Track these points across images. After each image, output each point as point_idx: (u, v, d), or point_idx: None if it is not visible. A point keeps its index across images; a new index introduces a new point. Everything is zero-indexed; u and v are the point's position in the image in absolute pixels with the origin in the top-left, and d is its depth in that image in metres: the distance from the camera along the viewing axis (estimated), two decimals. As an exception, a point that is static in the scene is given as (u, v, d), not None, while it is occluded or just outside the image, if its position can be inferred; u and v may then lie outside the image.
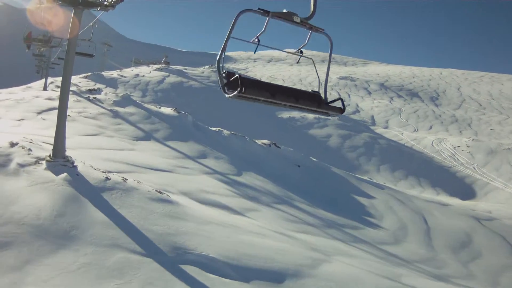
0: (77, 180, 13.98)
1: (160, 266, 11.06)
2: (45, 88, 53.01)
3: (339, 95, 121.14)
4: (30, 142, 17.15)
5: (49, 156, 15.07)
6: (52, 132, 23.96)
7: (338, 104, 8.64)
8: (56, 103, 32.61)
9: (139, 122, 31.57)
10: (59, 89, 40.12)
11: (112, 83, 74.02)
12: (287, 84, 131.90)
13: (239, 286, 11.28)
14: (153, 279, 10.39)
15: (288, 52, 9.75)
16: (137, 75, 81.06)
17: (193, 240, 12.71)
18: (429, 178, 64.74)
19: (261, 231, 16.14)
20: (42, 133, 23.28)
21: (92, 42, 27.32)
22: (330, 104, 8.61)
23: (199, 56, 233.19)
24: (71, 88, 39.78)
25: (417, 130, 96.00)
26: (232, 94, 7.23)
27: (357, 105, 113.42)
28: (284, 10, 7.48)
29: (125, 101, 35.57)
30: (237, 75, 7.44)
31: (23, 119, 27.78)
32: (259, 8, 7.35)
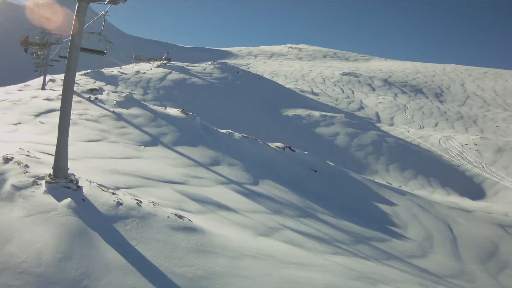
0: (84, 208, 11.68)
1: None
2: (43, 88, 50.61)
3: (343, 91, 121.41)
4: (27, 156, 14.90)
5: (49, 175, 12.79)
6: (51, 138, 22.17)
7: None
8: (55, 104, 30.77)
9: (144, 125, 29.33)
10: (58, 89, 38.26)
11: (112, 80, 71.40)
12: (289, 80, 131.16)
13: None
14: None
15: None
16: (138, 72, 78.34)
17: (231, 283, 10.48)
18: (438, 178, 62.98)
19: (299, 259, 13.95)
20: (41, 140, 21.26)
21: (103, 36, 23.86)
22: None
23: (199, 52, 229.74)
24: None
25: (423, 127, 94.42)
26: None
27: (361, 102, 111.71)
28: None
29: (129, 101, 33.37)
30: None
31: (20, 123, 25.71)
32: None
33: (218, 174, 24.03)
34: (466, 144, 77.43)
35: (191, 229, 12.72)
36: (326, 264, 14.59)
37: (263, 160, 31.28)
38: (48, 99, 32.38)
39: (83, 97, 32.78)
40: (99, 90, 36.13)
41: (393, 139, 74.19)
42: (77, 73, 68.21)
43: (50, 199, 11.68)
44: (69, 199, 11.72)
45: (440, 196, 53.06)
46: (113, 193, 13.35)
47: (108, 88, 62.35)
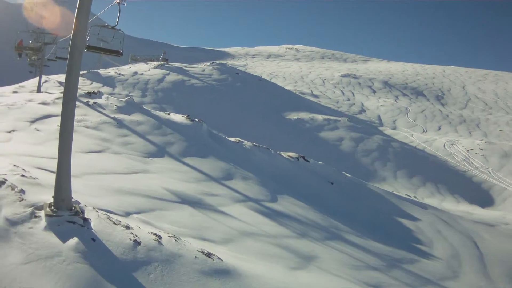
0: (95, 251, 9.32)
1: None
2: (38, 90, 48.05)
3: (343, 93, 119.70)
4: (22, 176, 12.61)
5: (50, 205, 10.48)
6: (48, 148, 19.92)
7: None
8: (51, 109, 28.41)
9: (148, 133, 27.01)
10: (54, 92, 35.94)
11: (109, 81, 68.96)
12: (288, 82, 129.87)
13: None
14: None
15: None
16: (136, 73, 76.04)
17: None
18: (446, 184, 61.44)
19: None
20: (37, 152, 19.15)
21: (119, 32, 19.01)
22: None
23: (196, 52, 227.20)
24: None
25: (426, 131, 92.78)
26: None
27: (363, 104, 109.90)
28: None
29: (130, 107, 31.05)
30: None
31: (14, 130, 23.43)
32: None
33: (233, 190, 21.91)
34: (471, 149, 75.77)
35: (224, 272, 10.50)
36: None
37: (276, 171, 29.17)
38: (44, 103, 30.23)
39: (81, 101, 30.53)
40: (98, 94, 33.79)
41: (398, 144, 72.51)
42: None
43: (53, 239, 9.36)
44: (75, 240, 9.38)
45: (450, 204, 51.75)
46: (127, 226, 11.01)
47: (105, 89, 60.55)
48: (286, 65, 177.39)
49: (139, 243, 10.09)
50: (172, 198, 16.96)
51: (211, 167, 24.49)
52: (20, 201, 10.63)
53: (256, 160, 29.45)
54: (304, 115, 73.34)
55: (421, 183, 60.76)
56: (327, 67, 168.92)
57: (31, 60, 57.22)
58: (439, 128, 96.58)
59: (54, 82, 61.14)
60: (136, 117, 29.37)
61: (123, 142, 24.29)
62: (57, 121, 26.45)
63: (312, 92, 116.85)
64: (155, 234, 11.12)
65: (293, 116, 72.34)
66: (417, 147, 76.84)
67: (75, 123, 24.16)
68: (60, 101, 31.78)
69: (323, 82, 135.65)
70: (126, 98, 33.83)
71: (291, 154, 33.08)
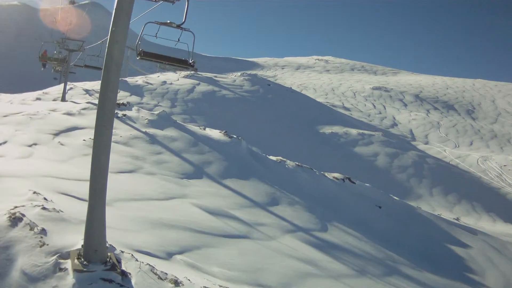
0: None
1: None
2: (63, 99, 45.51)
3: (374, 106, 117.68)
4: (43, 209, 10.67)
5: (79, 255, 8.38)
6: (72, 167, 17.99)
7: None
8: (76, 120, 26.39)
9: (184, 150, 24.75)
10: (79, 102, 33.93)
11: (137, 90, 66.67)
12: (318, 94, 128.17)
13: None
14: None
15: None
16: (164, 82, 73.91)
17: None
18: (481, 202, 59.26)
19: None
20: (60, 171, 17.20)
21: (188, 33, 13.67)
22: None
23: (225, 62, 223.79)
24: (94, 102, 33.69)
25: (458, 146, 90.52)
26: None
27: (394, 118, 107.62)
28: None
29: (163, 121, 28.89)
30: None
31: (35, 144, 21.56)
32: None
33: (281, 218, 19.75)
34: (504, 165, 73.80)
35: None
36: None
37: (321, 194, 26.86)
38: (68, 114, 28.38)
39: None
40: (128, 106, 31.75)
41: (433, 160, 70.31)
42: (99, 82, 64.62)
43: (83, 305, 7.26)
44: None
45: (486, 223, 50.22)
46: (175, 282, 8.86)
47: (133, 99, 58.49)
48: (316, 77, 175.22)
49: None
50: (217, 231, 14.95)
51: (254, 190, 22.35)
52: (41, 246, 8.68)
53: (300, 182, 27.18)
54: (338, 129, 71.32)
55: (457, 200, 58.78)
56: (357, 79, 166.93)
57: (56, 71, 55.74)
58: (471, 143, 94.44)
59: (80, 90, 59.39)
60: (170, 132, 27.27)
61: (156, 161, 22.20)
62: (83, 134, 24.61)
63: (343, 104, 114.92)
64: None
65: (327, 130, 70.31)
66: (450, 162, 75.14)
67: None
68: (87, 111, 30.19)
69: (354, 94, 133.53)
70: (158, 111, 31.58)
71: (335, 175, 30.99)
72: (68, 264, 8.20)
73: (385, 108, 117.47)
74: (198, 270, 10.96)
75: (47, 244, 8.68)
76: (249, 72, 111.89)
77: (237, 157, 26.47)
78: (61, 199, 12.84)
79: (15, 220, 9.33)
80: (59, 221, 10.29)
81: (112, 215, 11.97)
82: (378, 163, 63.71)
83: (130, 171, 19.75)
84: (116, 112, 28.20)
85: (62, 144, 22.01)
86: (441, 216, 35.62)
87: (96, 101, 33.47)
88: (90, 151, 19.89)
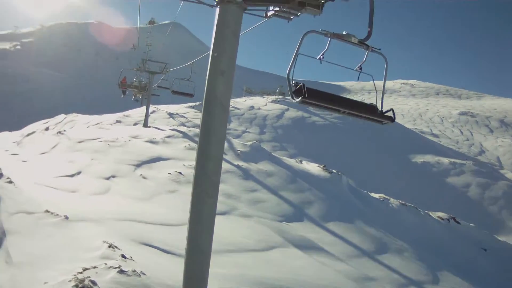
0: None
1: None
2: (145, 124, 43.05)
3: (462, 132, 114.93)
4: (120, 272, 8.78)
5: None
6: (157, 207, 16.43)
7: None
8: (160, 150, 24.56)
9: (281, 188, 22.37)
10: (164, 129, 31.87)
11: (224, 115, 64.29)
12: (406, 119, 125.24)
13: None
14: None
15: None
16: (252, 107, 71.81)
17: None
18: None
19: None
20: (142, 213, 15.34)
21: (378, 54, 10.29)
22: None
23: (311, 86, 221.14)
24: (180, 129, 31.74)
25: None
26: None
27: (481, 145, 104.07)
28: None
29: (256, 152, 26.76)
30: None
31: (113, 176, 19.85)
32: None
33: (391, 269, 17.51)
34: None
35: None
36: None
37: (427, 237, 24.35)
38: (151, 142, 26.79)
39: (197, 142, 26.40)
40: (218, 135, 29.75)
41: (523, 191, 66.27)
42: (183, 105, 62.39)
43: None
44: None
45: None
46: None
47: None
48: (403, 101, 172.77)
49: None
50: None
51: (361, 236, 19.87)
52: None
53: (405, 223, 24.66)
54: (429, 158, 68.60)
55: (553, 234, 54.99)
56: (443, 104, 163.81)
57: (136, 98, 54.79)
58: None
59: (163, 113, 57.88)
60: (265, 166, 25.09)
61: (252, 200, 19.97)
62: (168, 165, 22.52)
63: (431, 131, 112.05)
64: None
65: (419, 159, 67.68)
66: (542, 194, 70.45)
67: (190, 170, 20.06)
68: (172, 140, 28.15)
69: (442, 120, 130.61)
70: (251, 142, 29.53)
71: (440, 214, 28.79)
72: None
73: (472, 134, 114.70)
74: None
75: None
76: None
77: (338, 195, 24.08)
78: (143, 252, 10.96)
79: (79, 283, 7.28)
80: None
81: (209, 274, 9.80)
82: (470, 194, 60.97)
83: (224, 213, 17.62)
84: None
85: (144, 178, 20.34)
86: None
87: (182, 128, 31.44)
88: (176, 186, 17.41)
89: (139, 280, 8.63)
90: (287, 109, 71.91)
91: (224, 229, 15.60)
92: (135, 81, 49.07)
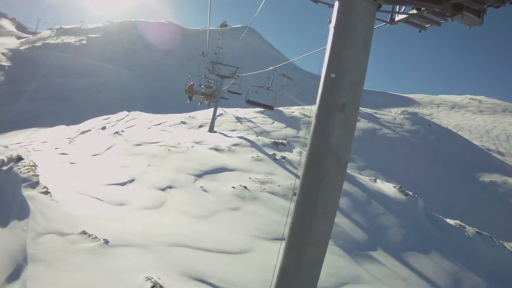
0: None
1: None
2: (211, 129, 41.33)
3: None
4: None
5: None
6: (217, 228, 15.54)
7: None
8: (226, 159, 23.67)
9: (355, 210, 20.71)
10: (231, 136, 30.33)
11: (293, 123, 62.46)
12: (474, 135, 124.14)
13: None
14: None
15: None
16: (326, 116, 69.01)
17: None
18: None
19: None
20: (200, 234, 14.19)
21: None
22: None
23: (381, 97, 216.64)
24: (248, 137, 30.19)
25: None
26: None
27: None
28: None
29: (329, 168, 25.14)
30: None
31: (170, 187, 18.55)
32: None
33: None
34: None
35: None
36: None
37: (502, 270, 22.35)
38: (216, 149, 25.37)
39: (265, 153, 25.04)
40: (288, 146, 28.23)
41: None
42: (252, 110, 60.78)
43: None
44: None
45: None
46: None
47: (288, 131, 54.77)
48: (471, 117, 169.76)
49: None
50: None
51: (436, 270, 18.28)
52: None
53: (480, 255, 22.81)
54: (496, 178, 65.25)
55: None
56: (510, 122, 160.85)
57: (203, 104, 54.29)
58: None
59: (230, 117, 56.64)
60: (339, 184, 23.15)
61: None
62: (232, 178, 21.11)
63: (497, 149, 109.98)
64: None
65: (486, 178, 64.75)
66: None
67: (258, 187, 18.67)
68: (238, 148, 26.85)
69: (508, 138, 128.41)
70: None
71: (515, 245, 26.70)
72: None
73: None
74: None
75: None
76: (406, 109, 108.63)
77: (414, 221, 22.36)
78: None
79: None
80: None
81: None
82: (537, 218, 58.21)
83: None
84: (274, 153, 24.92)
85: (205, 191, 19.00)
86: None
87: (250, 136, 29.96)
88: (240, 203, 16.00)
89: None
90: (359, 120, 70.32)
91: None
92: (202, 87, 48.67)
